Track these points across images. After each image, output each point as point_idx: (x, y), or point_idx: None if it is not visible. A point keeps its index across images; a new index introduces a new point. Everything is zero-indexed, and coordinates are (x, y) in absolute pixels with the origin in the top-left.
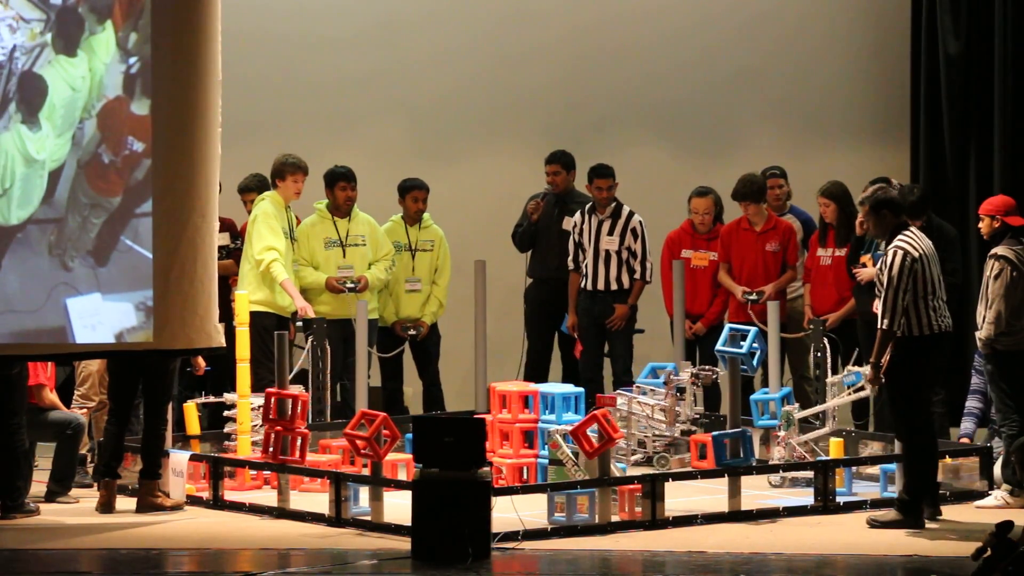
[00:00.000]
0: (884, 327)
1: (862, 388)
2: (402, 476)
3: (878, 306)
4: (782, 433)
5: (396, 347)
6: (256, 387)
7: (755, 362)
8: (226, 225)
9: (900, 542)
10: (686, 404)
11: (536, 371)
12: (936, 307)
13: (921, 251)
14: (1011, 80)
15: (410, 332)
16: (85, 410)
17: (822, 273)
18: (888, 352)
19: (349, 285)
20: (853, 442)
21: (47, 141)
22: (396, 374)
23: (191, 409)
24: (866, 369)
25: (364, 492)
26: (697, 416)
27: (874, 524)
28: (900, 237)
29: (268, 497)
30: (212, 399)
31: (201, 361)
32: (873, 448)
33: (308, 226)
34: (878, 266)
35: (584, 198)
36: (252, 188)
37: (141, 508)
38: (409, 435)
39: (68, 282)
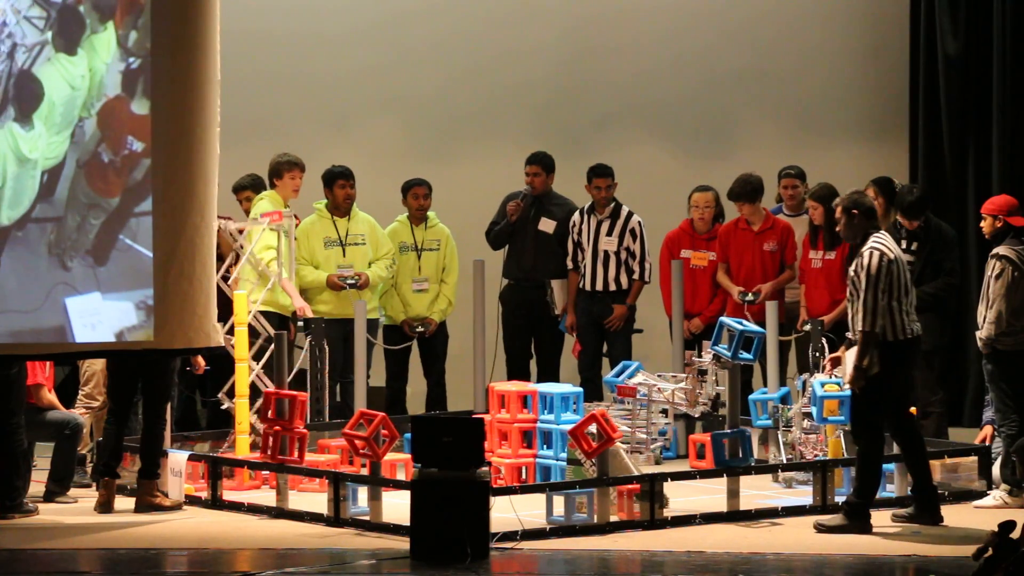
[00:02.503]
0: (866, 328)
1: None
2: (401, 476)
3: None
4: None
5: (404, 345)
6: None
7: (752, 353)
8: None
9: (899, 542)
10: (708, 384)
11: (518, 373)
12: (908, 311)
13: (895, 254)
14: (1010, 80)
15: (418, 329)
16: (89, 410)
17: (814, 275)
18: (868, 355)
19: (350, 282)
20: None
21: (40, 141)
22: (402, 373)
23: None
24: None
25: (363, 492)
26: (718, 395)
27: (821, 529)
28: (875, 238)
29: (267, 497)
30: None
31: (201, 360)
32: None
33: (308, 225)
34: (851, 269)
35: (561, 200)
36: (247, 186)
37: (140, 508)
38: (408, 435)
39: (67, 281)
